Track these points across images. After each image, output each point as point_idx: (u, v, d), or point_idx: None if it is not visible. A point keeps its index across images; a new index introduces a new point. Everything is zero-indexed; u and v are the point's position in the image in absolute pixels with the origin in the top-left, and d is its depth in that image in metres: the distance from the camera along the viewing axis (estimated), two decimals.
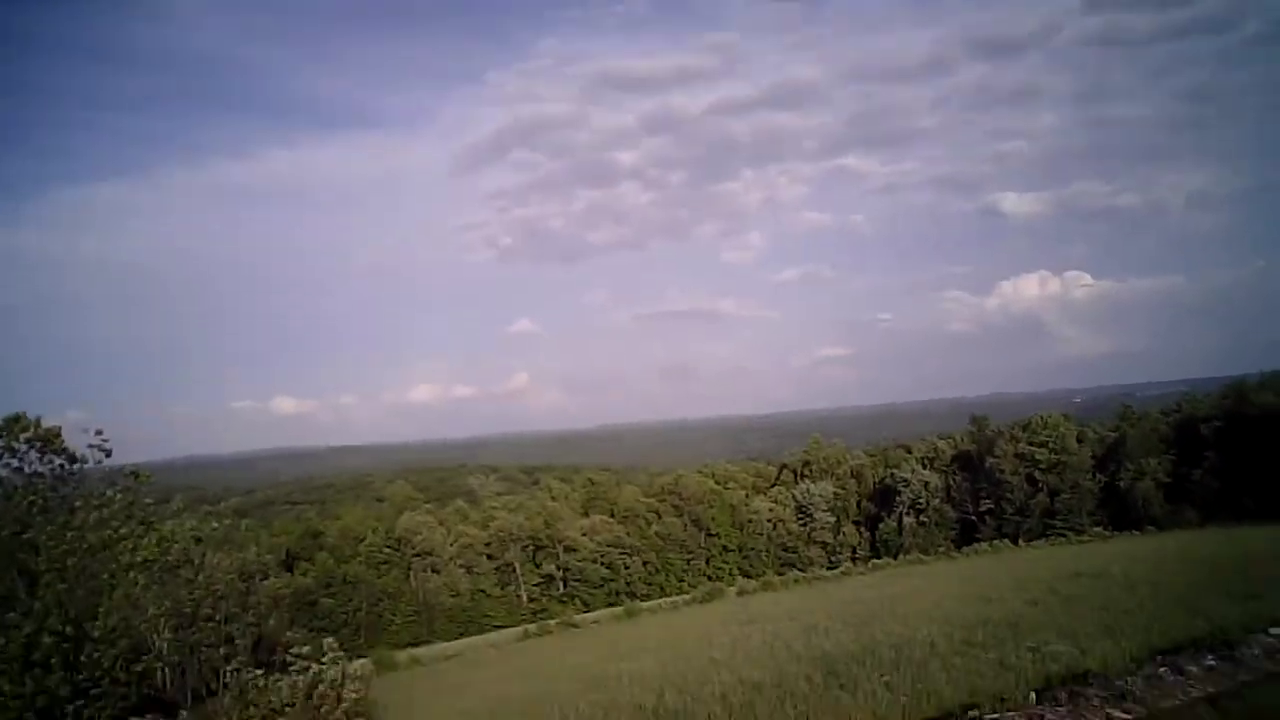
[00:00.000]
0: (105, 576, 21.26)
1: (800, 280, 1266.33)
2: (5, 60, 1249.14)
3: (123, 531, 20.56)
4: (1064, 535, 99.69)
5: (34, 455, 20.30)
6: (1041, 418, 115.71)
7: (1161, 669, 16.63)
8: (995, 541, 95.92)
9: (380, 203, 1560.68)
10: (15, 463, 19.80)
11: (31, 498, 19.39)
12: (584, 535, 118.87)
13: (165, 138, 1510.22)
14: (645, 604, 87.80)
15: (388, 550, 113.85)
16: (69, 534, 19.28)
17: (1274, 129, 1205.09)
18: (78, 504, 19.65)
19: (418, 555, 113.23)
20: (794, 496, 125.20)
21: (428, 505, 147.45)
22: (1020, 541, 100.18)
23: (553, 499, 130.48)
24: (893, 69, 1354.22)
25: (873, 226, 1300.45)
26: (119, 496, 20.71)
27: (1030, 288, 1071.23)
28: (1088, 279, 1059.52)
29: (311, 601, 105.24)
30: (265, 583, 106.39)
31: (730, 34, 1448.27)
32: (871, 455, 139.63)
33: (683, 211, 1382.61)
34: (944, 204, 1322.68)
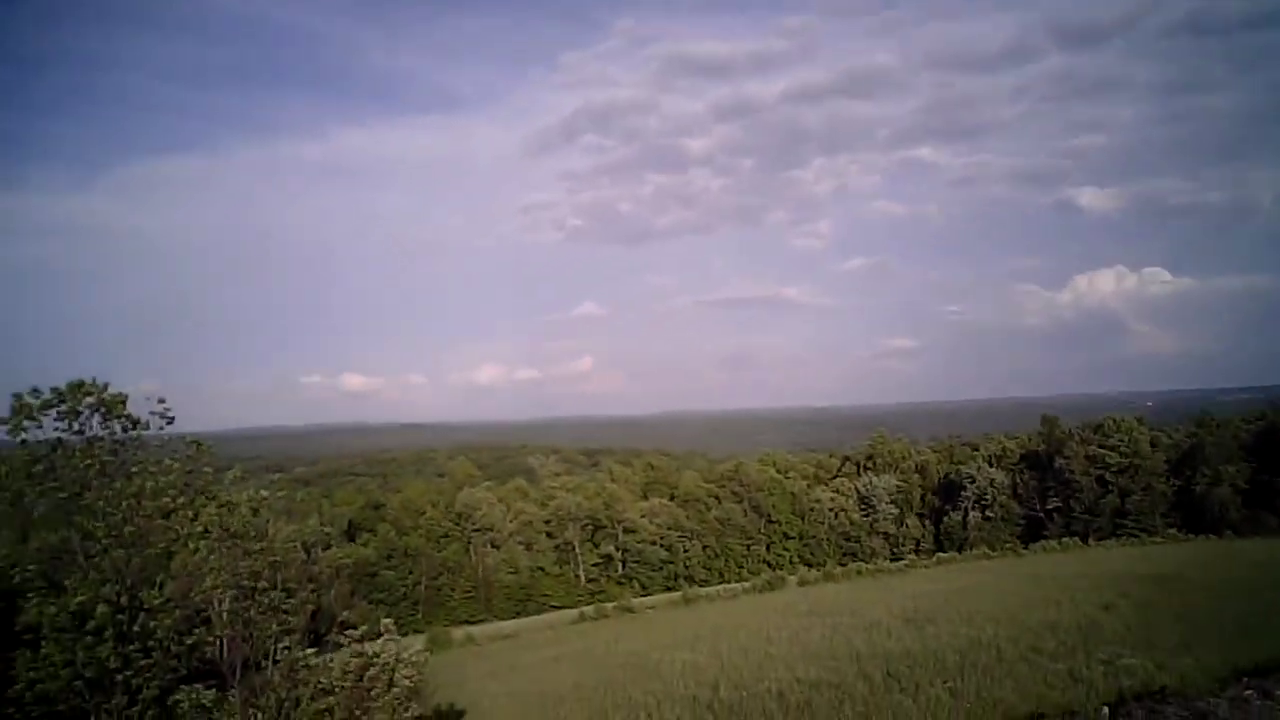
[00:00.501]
0: (163, 545, 21.06)
1: (868, 270, 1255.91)
2: (74, 29, 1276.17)
3: (181, 501, 20.28)
4: (1135, 535, 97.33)
5: (96, 420, 20.07)
6: (1114, 420, 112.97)
7: (1248, 691, 15.57)
8: (1064, 539, 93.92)
9: (451, 182, 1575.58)
10: (77, 425, 19.59)
11: (89, 461, 19.18)
12: (643, 517, 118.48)
13: (238, 113, 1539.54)
14: (704, 590, 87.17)
15: (448, 524, 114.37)
16: (126, 501, 19.04)
17: None
18: (135, 469, 19.36)
19: (477, 530, 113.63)
20: (856, 488, 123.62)
21: (488, 482, 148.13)
22: (1090, 540, 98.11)
23: (613, 480, 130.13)
24: (971, 57, 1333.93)
25: (945, 218, 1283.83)
26: (178, 465, 20.42)
27: (1106, 283, 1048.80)
28: (1166, 276, 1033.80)
29: (372, 573, 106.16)
30: (327, 552, 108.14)
31: (808, 17, 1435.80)
32: (936, 451, 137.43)
33: (752, 198, 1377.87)
34: (1019, 197, 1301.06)
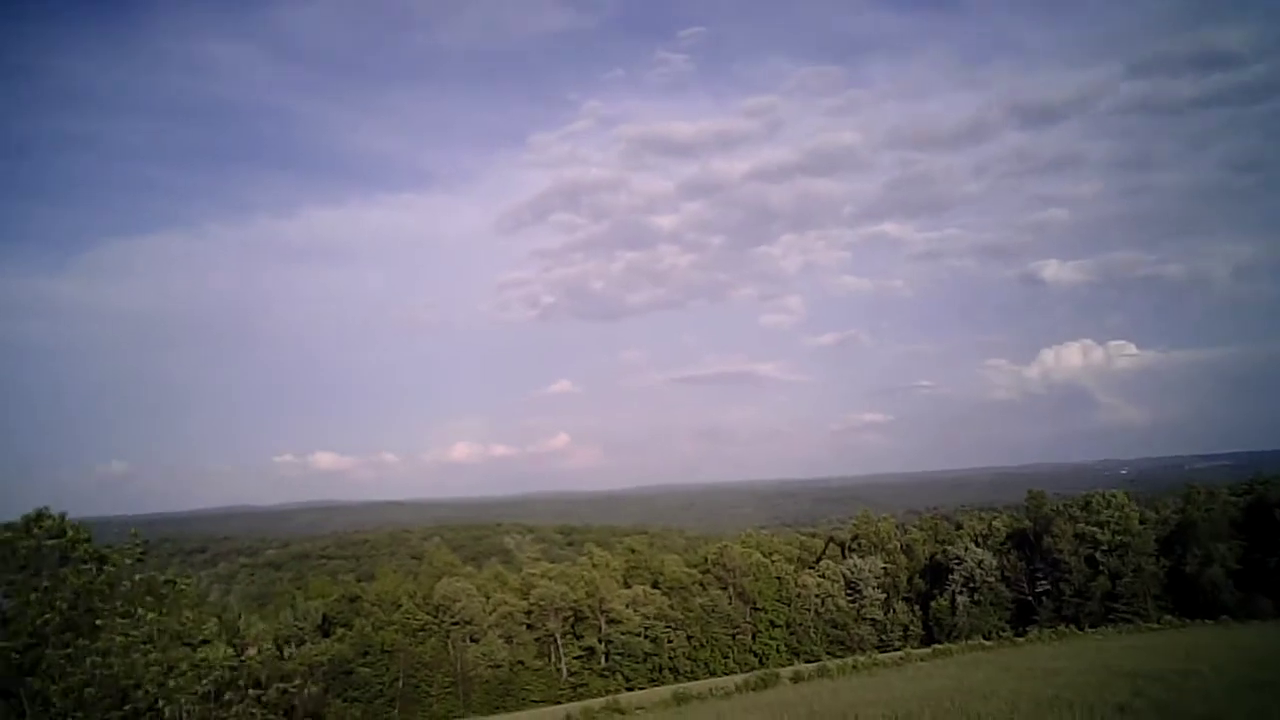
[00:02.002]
0: (128, 681, 19.26)
1: (839, 344, 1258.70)
2: (50, 113, 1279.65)
3: (152, 654, 18.40)
4: (1129, 620, 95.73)
5: (55, 559, 18.20)
6: (1103, 496, 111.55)
7: None
8: (1059, 626, 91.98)
9: (423, 261, 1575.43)
10: (34, 568, 17.71)
11: (47, 614, 17.24)
12: (627, 607, 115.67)
13: (210, 192, 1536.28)
14: (693, 686, 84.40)
15: (425, 617, 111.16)
16: (89, 659, 17.13)
17: None
18: (100, 623, 17.45)
19: (456, 624, 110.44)
20: (843, 572, 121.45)
21: (467, 569, 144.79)
22: (1084, 627, 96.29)
23: (594, 566, 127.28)
24: (932, 135, 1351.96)
25: (912, 292, 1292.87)
26: (152, 616, 18.56)
27: (1073, 357, 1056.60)
28: (1132, 349, 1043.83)
29: (348, 670, 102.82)
30: (301, 649, 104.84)
31: (772, 97, 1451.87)
32: (922, 530, 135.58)
33: (722, 274, 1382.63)
34: (985, 271, 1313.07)
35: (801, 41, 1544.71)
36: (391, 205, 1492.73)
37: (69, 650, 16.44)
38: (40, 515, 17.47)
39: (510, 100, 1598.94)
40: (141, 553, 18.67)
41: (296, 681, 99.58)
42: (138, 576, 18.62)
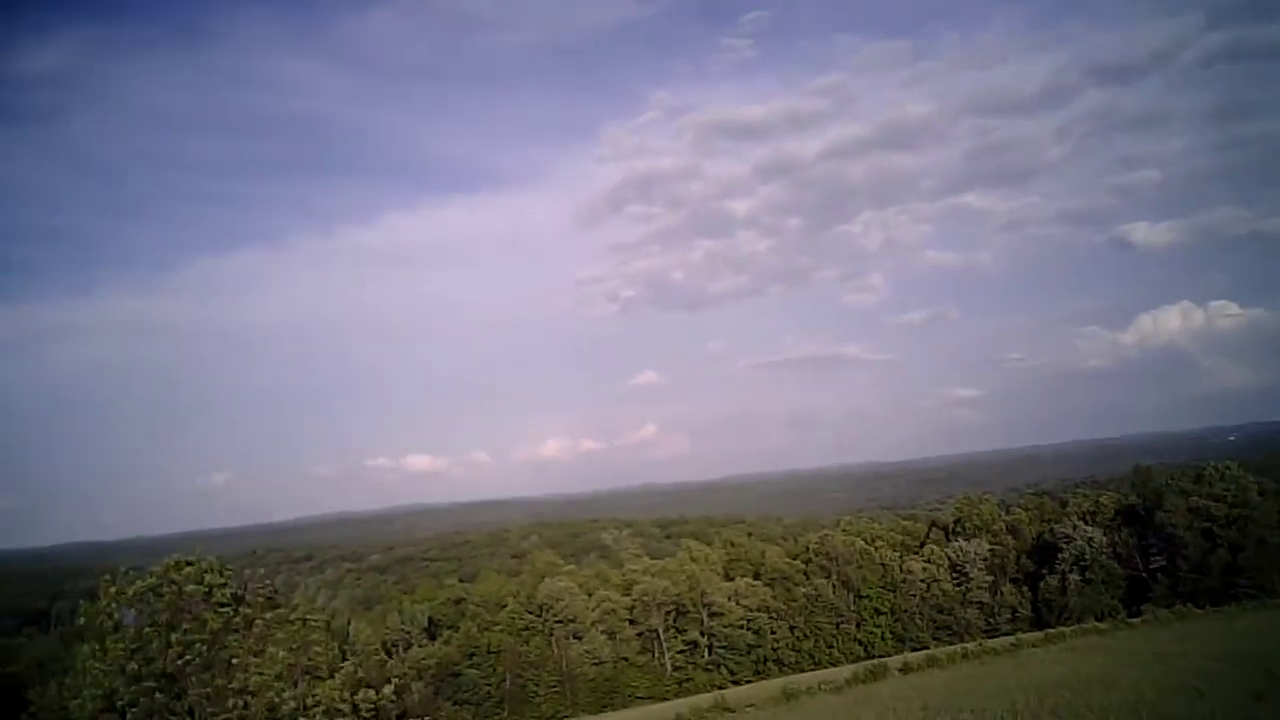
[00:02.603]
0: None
1: (925, 322, 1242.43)
2: (136, 135, 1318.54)
3: (286, 693, 18.61)
4: (1254, 596, 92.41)
5: (197, 603, 18.62)
6: (1216, 468, 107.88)
7: None
8: (1176, 606, 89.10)
9: (502, 260, 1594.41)
10: (174, 611, 18.13)
11: (188, 655, 17.60)
12: (729, 599, 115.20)
13: (292, 205, 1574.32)
14: (801, 679, 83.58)
15: (530, 616, 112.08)
16: (230, 701, 17.45)
17: None
18: (235, 660, 17.73)
19: (559, 622, 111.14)
20: (948, 555, 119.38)
21: (568, 567, 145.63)
22: (1204, 604, 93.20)
23: (693, 560, 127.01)
24: (1009, 101, 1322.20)
25: (998, 264, 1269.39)
26: (284, 655, 18.82)
27: (1171, 320, 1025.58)
28: (1234, 308, 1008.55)
29: (455, 673, 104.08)
30: (409, 652, 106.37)
31: (840, 75, 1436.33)
32: (1026, 510, 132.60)
33: (801, 257, 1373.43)
34: (1072, 238, 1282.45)
35: (866, 17, 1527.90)
36: (467, 206, 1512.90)
37: (208, 690, 16.72)
38: (180, 562, 17.83)
39: (577, 95, 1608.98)
40: (274, 590, 18.96)
41: (403, 684, 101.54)
42: (269, 615, 18.91)
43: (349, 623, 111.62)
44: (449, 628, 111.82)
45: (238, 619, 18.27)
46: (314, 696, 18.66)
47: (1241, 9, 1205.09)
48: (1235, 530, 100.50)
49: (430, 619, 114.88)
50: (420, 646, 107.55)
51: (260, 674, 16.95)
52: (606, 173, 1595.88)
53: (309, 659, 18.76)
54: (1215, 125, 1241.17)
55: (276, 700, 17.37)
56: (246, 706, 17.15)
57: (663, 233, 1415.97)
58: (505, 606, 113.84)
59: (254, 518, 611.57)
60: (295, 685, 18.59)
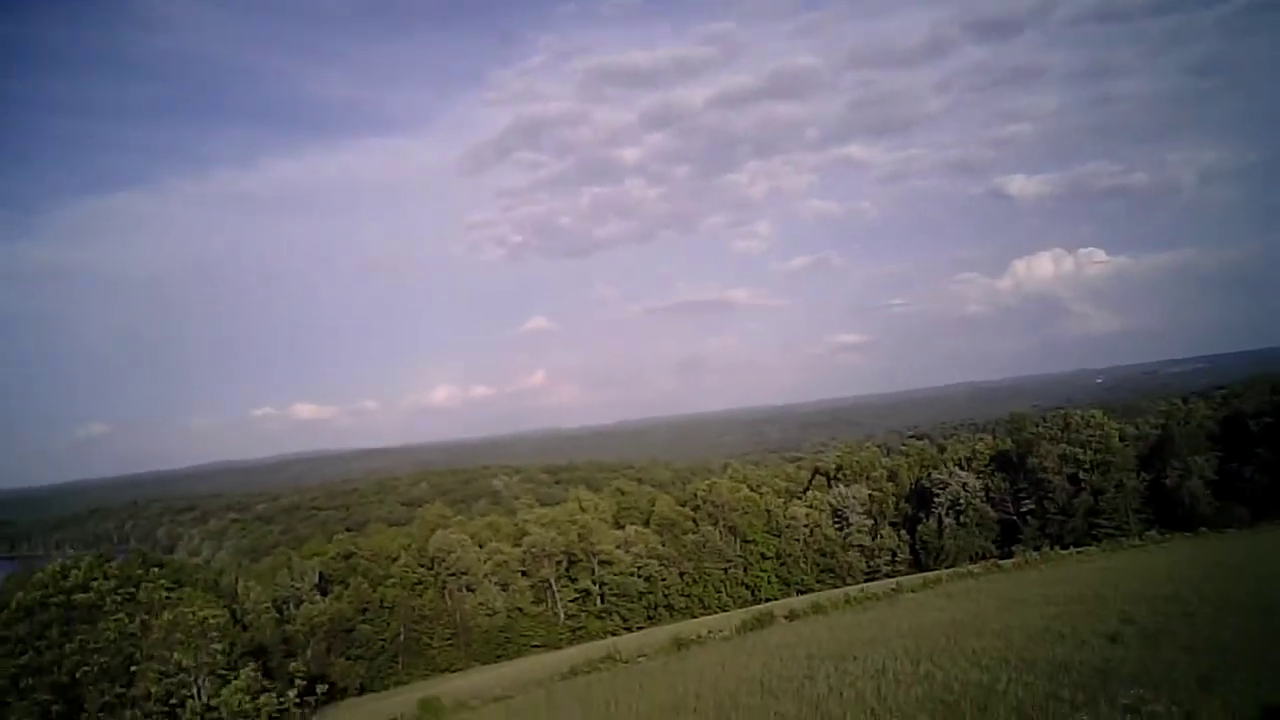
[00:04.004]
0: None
1: (810, 268, 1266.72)
2: (8, 73, 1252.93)
3: (190, 701, 18.90)
4: (1112, 536, 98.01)
5: (87, 611, 18.93)
6: (1082, 415, 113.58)
7: None
8: (1043, 548, 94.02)
9: (389, 206, 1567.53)
10: (64, 623, 18.40)
11: (85, 668, 17.91)
12: (618, 548, 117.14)
13: (171, 148, 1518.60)
14: (691, 626, 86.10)
15: (421, 570, 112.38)
16: (129, 712, 17.78)
17: (1277, 102, 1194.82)
18: (135, 669, 18.07)
19: (452, 575, 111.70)
20: (829, 502, 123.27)
21: (458, 518, 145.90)
22: (1069, 545, 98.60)
23: (582, 509, 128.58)
24: (893, 53, 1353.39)
25: (881, 213, 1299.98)
26: (183, 661, 19.09)
27: (1044, 266, 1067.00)
28: (1102, 255, 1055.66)
29: (349, 628, 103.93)
30: (300, 609, 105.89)
31: (728, 23, 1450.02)
32: (907, 456, 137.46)
33: (689, 204, 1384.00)
34: (951, 188, 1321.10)
35: None
36: (352, 150, 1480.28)
37: (107, 699, 17.08)
38: (66, 567, 17.97)
39: (463, 38, 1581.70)
40: (170, 586, 19.10)
41: (299, 642, 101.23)
42: (168, 616, 19.08)
43: (237, 580, 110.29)
44: (340, 583, 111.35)
45: (133, 625, 18.42)
46: (218, 698, 18.86)
47: None
48: (1098, 475, 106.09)
49: (321, 574, 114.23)
50: (312, 603, 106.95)
51: (158, 680, 17.18)
52: (494, 117, 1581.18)
53: (210, 659, 18.95)
54: (1086, 83, 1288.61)
55: (178, 707, 17.65)
56: (148, 715, 17.43)
57: (551, 179, 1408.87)
58: (397, 560, 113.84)
59: (135, 467, 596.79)
60: (198, 689, 18.83)
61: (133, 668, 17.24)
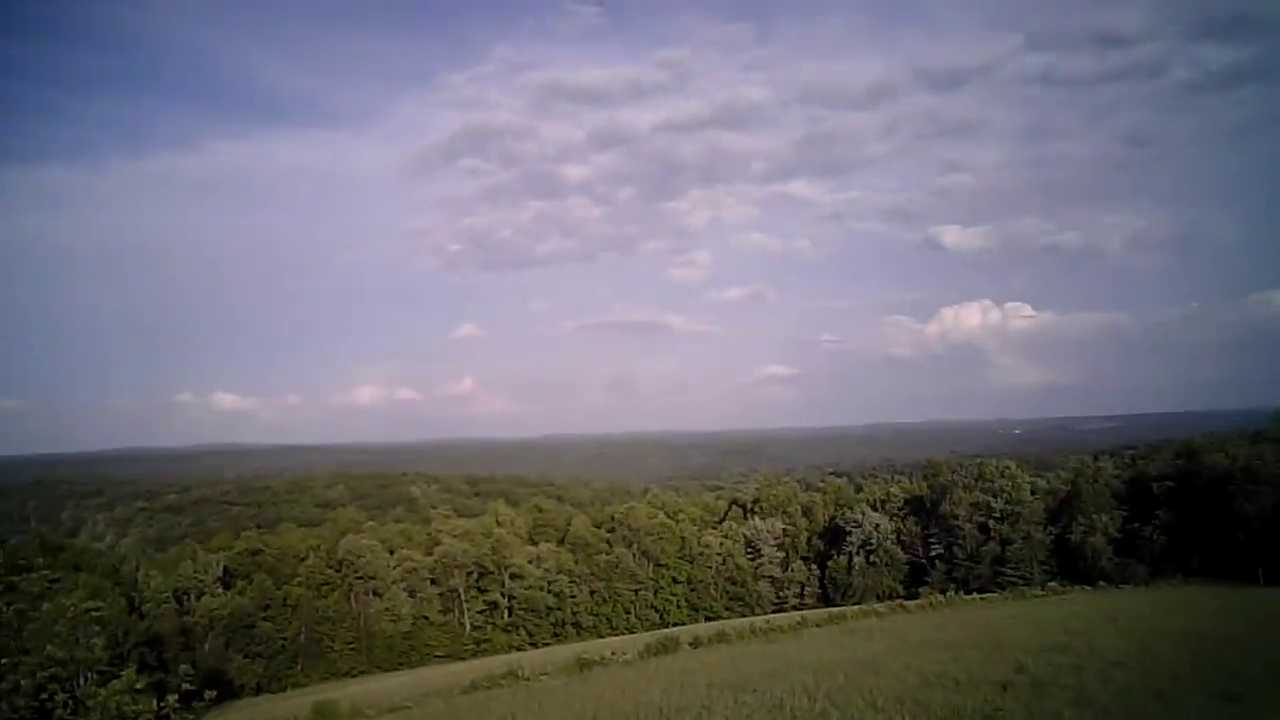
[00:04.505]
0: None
1: (746, 299, 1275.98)
2: None
3: (58, 695, 18.47)
4: (1016, 585, 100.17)
5: None
6: (997, 465, 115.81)
7: None
8: (949, 592, 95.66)
9: (328, 201, 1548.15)
10: None
11: None
12: (530, 562, 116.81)
13: (109, 122, 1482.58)
14: (596, 646, 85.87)
15: (329, 571, 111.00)
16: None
17: (1207, 176, 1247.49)
18: (3, 659, 17.63)
19: (360, 578, 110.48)
20: (744, 533, 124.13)
21: (370, 523, 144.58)
22: (973, 590, 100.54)
23: (499, 524, 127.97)
24: (842, 94, 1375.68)
25: (818, 251, 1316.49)
26: (61, 655, 18.68)
27: (972, 316, 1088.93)
28: (1028, 310, 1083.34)
29: (249, 625, 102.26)
30: (201, 601, 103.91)
31: (682, 50, 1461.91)
32: (823, 494, 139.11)
33: (631, 227, 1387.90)
34: (888, 232, 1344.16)
35: None
36: (297, 141, 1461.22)
37: None
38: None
39: (418, 39, 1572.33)
40: (53, 578, 18.70)
41: (197, 635, 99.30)
42: (46, 606, 18.62)
43: (138, 568, 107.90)
44: (244, 578, 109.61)
45: (9, 614, 17.96)
46: (94, 698, 18.45)
47: (1055, 38, 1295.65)
48: (1008, 525, 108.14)
49: (225, 569, 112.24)
50: (213, 596, 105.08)
51: (33, 675, 16.75)
52: (442, 121, 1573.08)
53: (88, 653, 18.50)
54: (1025, 141, 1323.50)
55: (48, 703, 17.23)
56: (14, 709, 17.01)
57: (494, 190, 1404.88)
58: (305, 559, 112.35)
59: (49, 447, 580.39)
60: (73, 686, 18.37)
61: (2, 659, 16.78)
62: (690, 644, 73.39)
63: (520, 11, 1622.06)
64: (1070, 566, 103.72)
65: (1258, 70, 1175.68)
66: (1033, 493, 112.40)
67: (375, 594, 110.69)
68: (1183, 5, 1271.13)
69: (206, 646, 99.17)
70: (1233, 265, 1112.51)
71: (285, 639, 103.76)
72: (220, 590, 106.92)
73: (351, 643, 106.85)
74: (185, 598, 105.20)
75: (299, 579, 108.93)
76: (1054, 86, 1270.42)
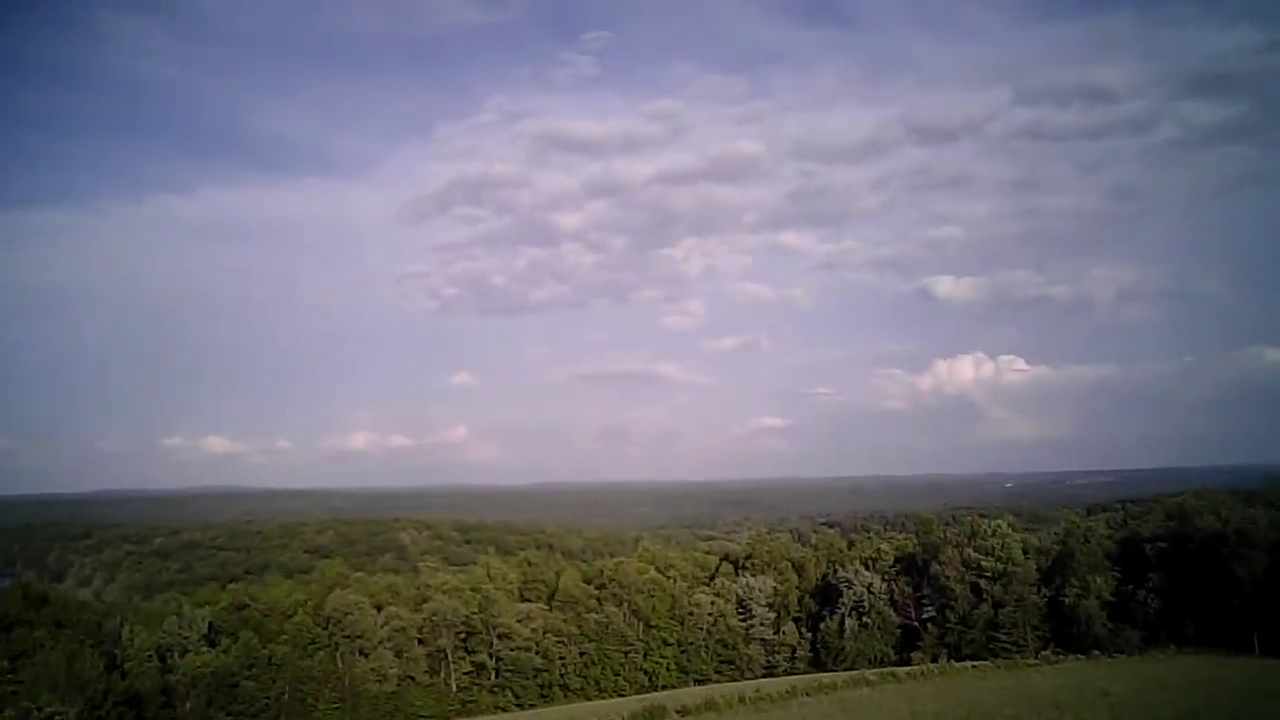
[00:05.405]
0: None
1: (739, 349, 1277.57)
2: None
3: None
4: (1009, 652, 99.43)
5: None
6: (989, 525, 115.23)
7: None
8: (940, 659, 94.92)
9: (324, 247, 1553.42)
10: None
11: None
12: (519, 622, 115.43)
13: (106, 166, 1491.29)
14: (585, 708, 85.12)
15: (316, 629, 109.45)
16: None
17: (1196, 231, 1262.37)
18: None
19: (346, 637, 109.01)
20: (736, 591, 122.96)
21: (358, 575, 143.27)
22: (966, 657, 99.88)
23: (489, 578, 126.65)
24: (834, 148, 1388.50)
25: (811, 301, 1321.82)
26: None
27: (965, 369, 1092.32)
28: (1021, 364, 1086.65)
29: (233, 684, 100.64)
30: (184, 659, 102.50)
31: (676, 103, 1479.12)
32: (815, 549, 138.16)
33: (625, 275, 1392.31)
34: (881, 283, 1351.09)
35: (707, 50, 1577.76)
36: (293, 189, 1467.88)
37: None
38: None
39: (415, 90, 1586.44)
40: (35, 635, 18.37)
41: (179, 693, 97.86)
42: (27, 665, 18.11)
43: (122, 624, 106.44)
44: (229, 635, 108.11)
45: None
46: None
47: (1043, 93, 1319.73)
48: (1000, 586, 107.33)
49: (210, 624, 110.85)
50: (197, 654, 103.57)
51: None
52: (437, 171, 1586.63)
53: (78, 707, 17.92)
54: (1015, 194, 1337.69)
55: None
56: None
57: (488, 236, 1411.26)
58: (292, 616, 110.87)
59: (36, 487, 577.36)
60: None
61: None
62: (678, 712, 72.56)
63: (517, 62, 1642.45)
64: (1064, 632, 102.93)
65: (1244, 128, 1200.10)
66: (1025, 552, 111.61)
67: (362, 653, 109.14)
68: (1170, 63, 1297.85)
69: (188, 705, 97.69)
70: (1222, 320, 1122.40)
71: (269, 698, 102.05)
72: (205, 648, 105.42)
73: (336, 704, 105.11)
74: (168, 655, 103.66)
75: (285, 636, 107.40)
76: (1043, 140, 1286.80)
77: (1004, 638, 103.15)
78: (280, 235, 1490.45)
